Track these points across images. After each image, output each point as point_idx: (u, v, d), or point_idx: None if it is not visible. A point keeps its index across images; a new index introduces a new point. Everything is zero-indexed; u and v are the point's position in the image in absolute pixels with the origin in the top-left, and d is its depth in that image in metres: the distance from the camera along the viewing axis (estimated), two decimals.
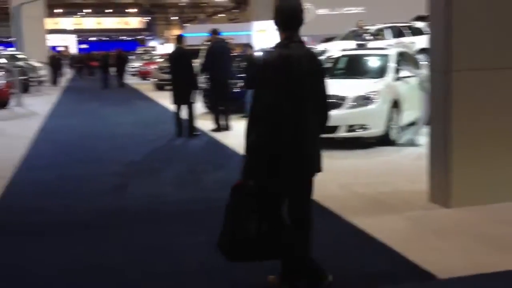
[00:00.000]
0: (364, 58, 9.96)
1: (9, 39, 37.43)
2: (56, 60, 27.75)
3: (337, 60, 10.17)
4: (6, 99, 15.42)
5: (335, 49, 16.68)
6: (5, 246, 4.54)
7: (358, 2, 20.94)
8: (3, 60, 20.21)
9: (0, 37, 49.22)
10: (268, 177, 3.07)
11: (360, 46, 14.58)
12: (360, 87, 8.38)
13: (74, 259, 4.17)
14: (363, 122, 8.05)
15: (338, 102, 8.02)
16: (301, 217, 3.23)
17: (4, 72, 15.52)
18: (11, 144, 9.44)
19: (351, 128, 8.04)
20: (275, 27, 3.15)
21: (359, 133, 8.11)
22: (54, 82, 25.79)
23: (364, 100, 8.13)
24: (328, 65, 10.27)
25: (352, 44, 16.00)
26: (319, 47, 19.98)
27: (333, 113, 7.79)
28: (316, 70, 3.14)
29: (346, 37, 16.59)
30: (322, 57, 14.81)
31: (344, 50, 11.92)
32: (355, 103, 8.09)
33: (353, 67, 9.68)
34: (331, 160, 7.72)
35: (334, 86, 8.64)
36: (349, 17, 17.72)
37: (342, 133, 8.04)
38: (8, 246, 4.54)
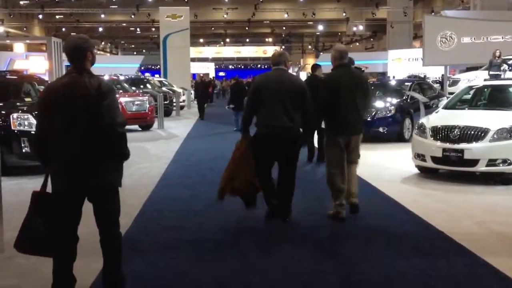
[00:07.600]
0: (510, 89, 9.30)
1: (158, 67, 40.41)
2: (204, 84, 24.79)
3: (479, 90, 9.61)
4: (150, 122, 16.59)
5: (472, 79, 15.86)
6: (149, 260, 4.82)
7: (505, 30, 19.62)
8: (149, 86, 21.80)
9: (151, 64, 53.44)
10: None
11: (494, 77, 13.71)
12: (504, 120, 7.83)
13: (205, 275, 4.36)
14: (507, 157, 7.50)
15: (479, 134, 7.61)
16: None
17: (149, 97, 16.70)
18: (152, 164, 10.08)
19: (492, 163, 7.53)
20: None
21: (501, 167, 7.56)
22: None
23: (508, 133, 7.59)
24: (468, 96, 9.80)
25: (485, 74, 15.15)
26: (460, 76, 19.06)
27: (473, 145, 7.52)
28: (85, 94, 3.54)
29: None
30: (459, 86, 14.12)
31: (486, 80, 11.27)
32: (498, 136, 7.58)
33: (496, 99, 9.12)
34: (467, 195, 7.27)
35: (475, 117, 8.18)
36: (495, 46, 16.66)
37: (482, 167, 7.58)
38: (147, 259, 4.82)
